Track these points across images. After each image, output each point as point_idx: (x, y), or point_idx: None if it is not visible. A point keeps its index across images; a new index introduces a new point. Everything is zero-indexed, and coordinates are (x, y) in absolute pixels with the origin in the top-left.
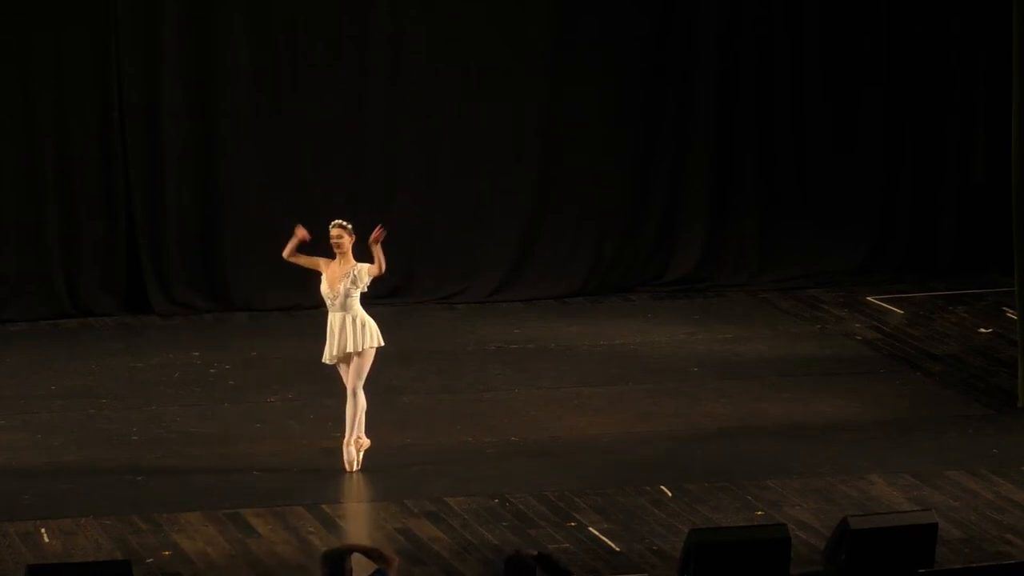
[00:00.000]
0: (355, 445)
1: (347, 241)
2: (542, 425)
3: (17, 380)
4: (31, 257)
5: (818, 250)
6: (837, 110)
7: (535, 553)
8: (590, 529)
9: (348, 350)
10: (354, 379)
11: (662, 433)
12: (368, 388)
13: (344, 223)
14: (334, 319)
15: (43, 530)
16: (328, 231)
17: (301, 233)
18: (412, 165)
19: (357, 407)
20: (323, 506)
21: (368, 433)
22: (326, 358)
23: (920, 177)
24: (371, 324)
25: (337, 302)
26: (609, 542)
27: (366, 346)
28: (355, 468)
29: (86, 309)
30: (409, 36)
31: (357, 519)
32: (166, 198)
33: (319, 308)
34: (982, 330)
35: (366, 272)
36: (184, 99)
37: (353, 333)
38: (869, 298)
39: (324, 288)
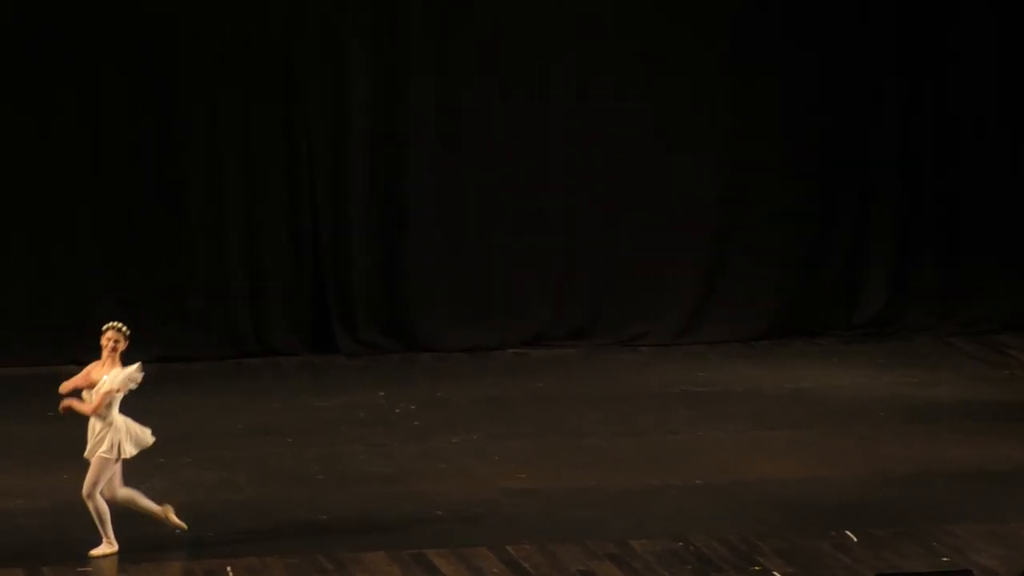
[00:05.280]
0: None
1: (123, 345)
2: (725, 468)
3: (202, 418)
4: (218, 297)
5: (1006, 293)
6: None
7: None
8: (775, 573)
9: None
10: (87, 484)
11: (846, 477)
12: (553, 428)
13: (121, 326)
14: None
15: (229, 568)
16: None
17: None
18: (595, 208)
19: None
20: (507, 547)
21: (552, 473)
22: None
23: None
24: (116, 434)
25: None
26: None
27: (95, 454)
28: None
29: (272, 348)
30: (594, 82)
31: (540, 560)
32: (352, 240)
33: (505, 349)
34: None
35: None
36: (370, 142)
37: (92, 438)
38: None
39: (84, 392)
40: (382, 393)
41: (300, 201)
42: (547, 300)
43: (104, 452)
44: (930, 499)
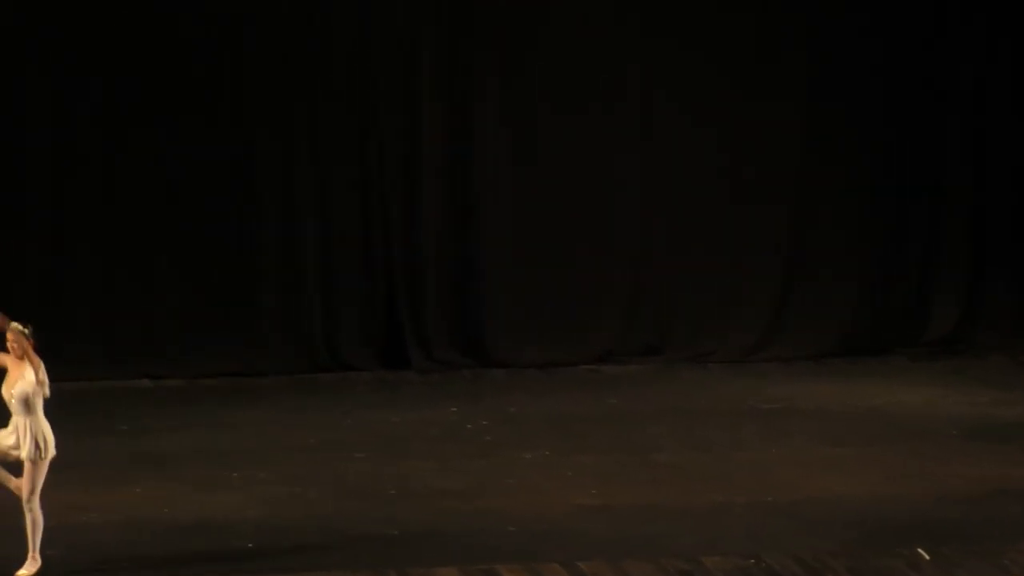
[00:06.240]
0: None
1: (15, 347)
2: (796, 485)
3: (275, 433)
4: (292, 313)
5: None
6: None
7: None
8: None
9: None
10: (26, 489)
11: (917, 495)
12: (624, 445)
13: (21, 328)
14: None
15: None
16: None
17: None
18: (666, 225)
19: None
20: (579, 563)
21: (623, 489)
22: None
23: None
24: (45, 432)
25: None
26: None
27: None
28: None
29: (345, 364)
30: (666, 102)
31: None
32: (425, 256)
33: (576, 365)
34: None
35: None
36: (442, 159)
37: (24, 438)
38: None
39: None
40: (454, 409)
41: (373, 217)
42: (619, 317)
43: (37, 453)
44: (1002, 518)
